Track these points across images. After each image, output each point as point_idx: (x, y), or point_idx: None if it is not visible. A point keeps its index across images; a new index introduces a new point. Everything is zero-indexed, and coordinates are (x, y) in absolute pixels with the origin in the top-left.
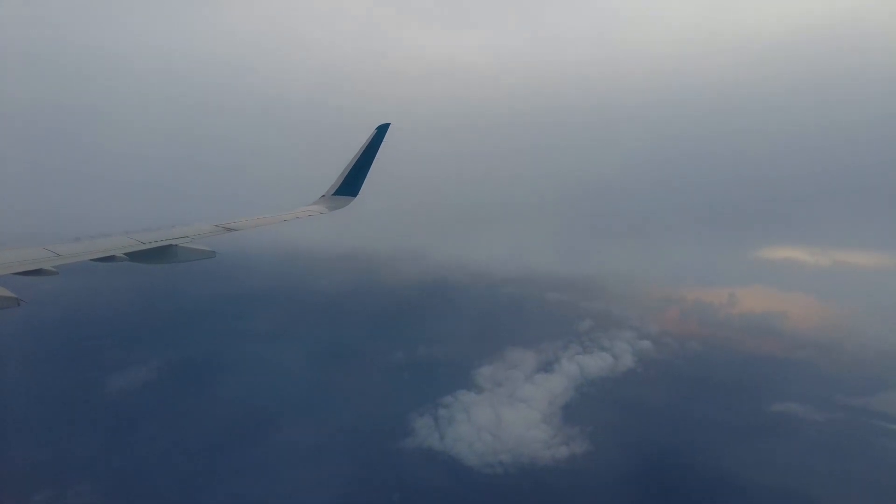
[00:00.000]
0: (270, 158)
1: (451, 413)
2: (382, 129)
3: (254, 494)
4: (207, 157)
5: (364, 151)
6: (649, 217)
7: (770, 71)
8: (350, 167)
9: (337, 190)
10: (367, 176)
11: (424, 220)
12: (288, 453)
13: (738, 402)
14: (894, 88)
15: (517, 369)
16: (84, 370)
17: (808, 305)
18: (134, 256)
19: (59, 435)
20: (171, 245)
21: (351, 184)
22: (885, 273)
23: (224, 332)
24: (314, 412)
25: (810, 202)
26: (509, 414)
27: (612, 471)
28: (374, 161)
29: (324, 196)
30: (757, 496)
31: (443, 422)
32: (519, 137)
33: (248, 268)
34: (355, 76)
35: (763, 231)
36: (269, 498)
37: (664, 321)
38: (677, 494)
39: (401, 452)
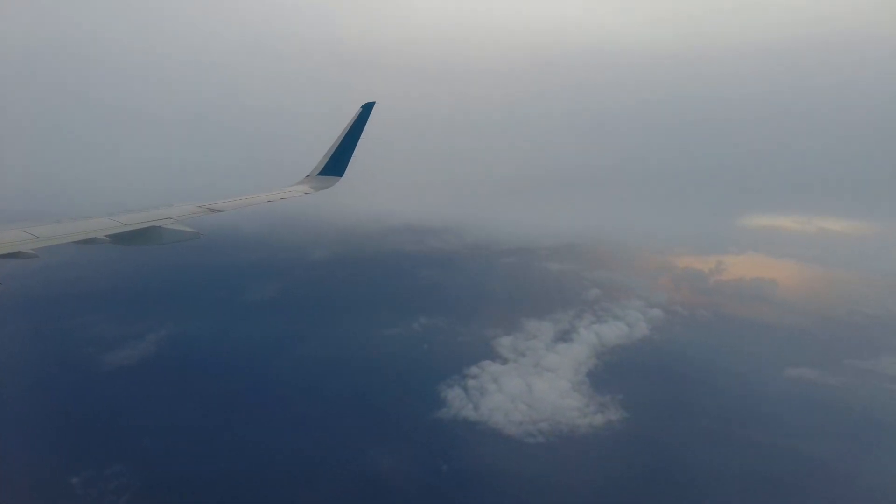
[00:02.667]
0: (256, 137)
1: (480, 384)
2: (367, 108)
3: (293, 471)
4: (191, 136)
5: (349, 131)
6: (636, 186)
7: (760, 45)
8: (335, 147)
9: (322, 170)
10: (353, 155)
11: (418, 193)
12: (319, 425)
13: (754, 367)
14: (877, 61)
15: (537, 339)
16: (77, 348)
17: (799, 272)
18: (116, 238)
19: (74, 415)
20: (154, 226)
21: (336, 163)
22: (866, 240)
23: (223, 307)
24: (337, 386)
25: (793, 173)
26: (539, 383)
27: (652, 437)
28: (360, 140)
29: (309, 176)
30: (790, 460)
31: (474, 392)
32: (510, 107)
33: (240, 246)
34: (350, 48)
35: (750, 200)
36: (313, 474)
37: (669, 290)
38: (716, 459)
39: (438, 424)
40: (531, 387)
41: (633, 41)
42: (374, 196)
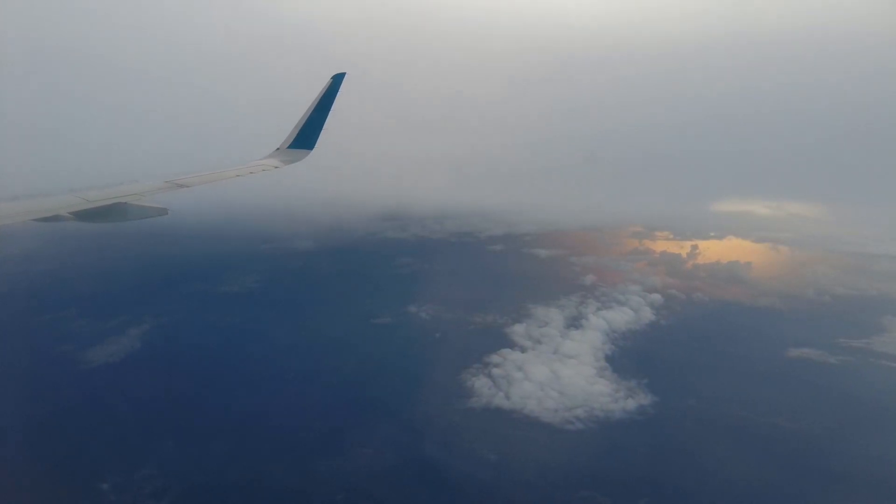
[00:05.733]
0: (222, 110)
1: (506, 372)
2: (338, 79)
3: (336, 469)
4: (155, 108)
5: (319, 102)
6: (613, 172)
7: (734, 38)
8: (305, 119)
9: (292, 143)
10: (324, 128)
11: (395, 179)
12: (343, 417)
13: (760, 349)
14: (847, 47)
15: (549, 326)
16: (52, 346)
17: (776, 255)
18: (80, 216)
19: (75, 418)
20: (120, 203)
21: (307, 136)
22: (830, 223)
23: (206, 299)
24: (351, 375)
25: (763, 158)
26: (564, 370)
27: (688, 419)
28: (331, 112)
29: (278, 149)
30: (821, 443)
31: (501, 381)
32: (488, 85)
33: (219, 236)
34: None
35: (726, 187)
36: (357, 469)
37: (660, 274)
38: (755, 438)
39: (472, 413)
40: (557, 374)
41: (619, 29)
42: (351, 182)
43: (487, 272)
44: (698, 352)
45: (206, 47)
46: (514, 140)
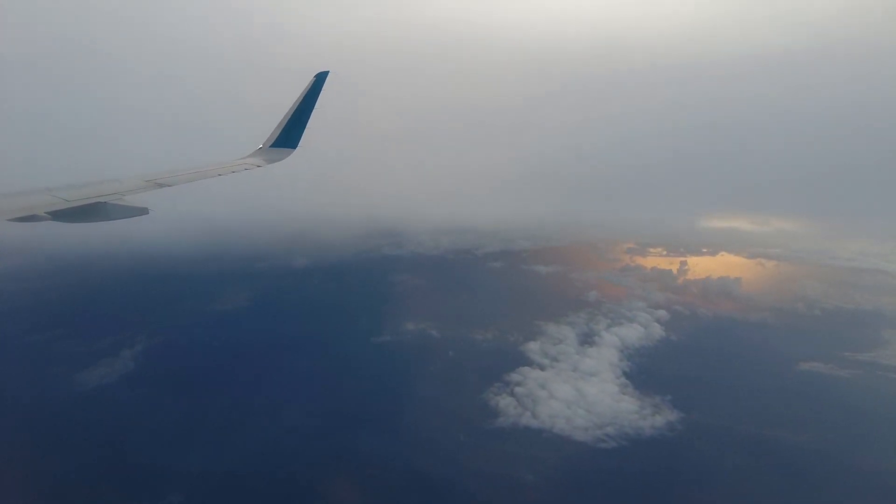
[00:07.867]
0: (203, 110)
1: (529, 391)
2: (321, 78)
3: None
4: (136, 108)
5: (302, 101)
6: (600, 187)
7: (725, 54)
8: (288, 118)
9: (275, 142)
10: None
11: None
12: (371, 438)
13: (770, 363)
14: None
15: (564, 344)
16: (44, 368)
17: (771, 270)
18: (58, 215)
19: (79, 445)
20: (100, 202)
21: (289, 135)
22: (817, 237)
23: (202, 318)
24: (361, 397)
25: (751, 174)
26: (587, 388)
27: (719, 435)
28: (314, 111)
29: (261, 148)
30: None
31: (525, 400)
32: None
33: (211, 255)
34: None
35: (705, 201)
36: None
37: (661, 290)
38: (786, 453)
39: (501, 433)
40: (581, 391)
41: (611, 50)
42: (344, 199)
43: (492, 289)
44: (713, 367)
45: (190, 46)
46: (508, 154)
